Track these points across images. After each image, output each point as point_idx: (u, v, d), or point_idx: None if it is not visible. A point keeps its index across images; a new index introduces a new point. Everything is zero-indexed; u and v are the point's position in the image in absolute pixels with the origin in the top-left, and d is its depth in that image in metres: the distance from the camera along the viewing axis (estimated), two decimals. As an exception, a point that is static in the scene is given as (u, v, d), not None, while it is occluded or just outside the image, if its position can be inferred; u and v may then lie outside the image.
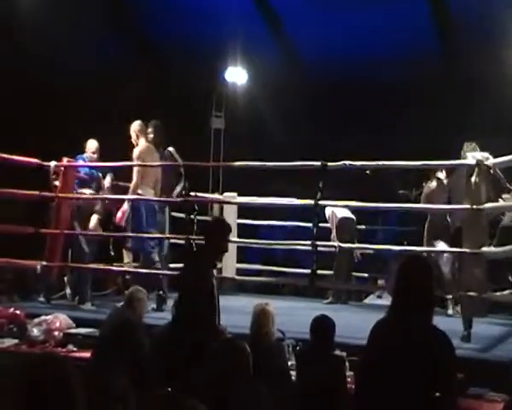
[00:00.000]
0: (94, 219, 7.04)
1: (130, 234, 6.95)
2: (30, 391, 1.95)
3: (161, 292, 6.62)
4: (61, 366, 2.03)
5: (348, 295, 8.24)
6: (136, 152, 6.83)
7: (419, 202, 7.42)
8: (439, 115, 9.67)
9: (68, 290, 7.26)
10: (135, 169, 6.80)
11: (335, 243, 7.14)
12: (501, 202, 6.28)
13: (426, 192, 7.30)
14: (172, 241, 7.53)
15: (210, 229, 4.70)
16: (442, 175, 7.09)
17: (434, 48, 9.86)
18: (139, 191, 6.80)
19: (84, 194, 7.14)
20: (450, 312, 6.84)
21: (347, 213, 8.04)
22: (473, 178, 5.41)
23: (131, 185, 6.81)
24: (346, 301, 8.03)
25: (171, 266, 7.40)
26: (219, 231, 4.59)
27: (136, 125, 6.95)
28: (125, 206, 6.89)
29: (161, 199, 7.13)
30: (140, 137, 6.92)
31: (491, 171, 5.62)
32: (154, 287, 6.65)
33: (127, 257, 7.60)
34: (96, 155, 7.21)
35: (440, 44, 9.96)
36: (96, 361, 4.63)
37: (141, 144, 6.88)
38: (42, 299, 6.95)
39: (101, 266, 7.17)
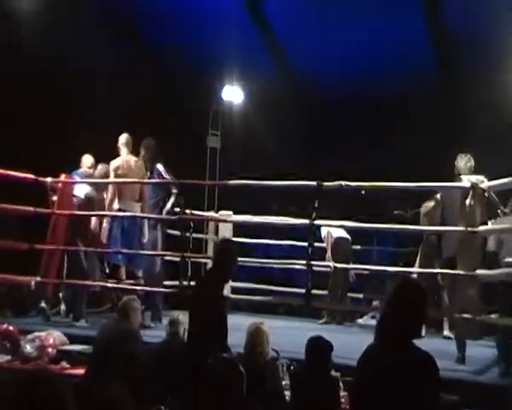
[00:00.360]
0: (93, 219, 7.02)
1: (123, 250, 6.83)
2: (23, 408, 1.95)
3: (143, 307, 6.61)
4: (54, 383, 2.03)
5: (343, 316, 8.23)
6: (111, 165, 6.88)
7: (415, 223, 7.44)
8: (436, 130, 9.71)
9: (63, 307, 7.23)
10: (110, 184, 6.87)
11: (330, 263, 7.15)
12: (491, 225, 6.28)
13: (423, 211, 7.37)
14: (167, 258, 7.51)
15: (223, 253, 4.69)
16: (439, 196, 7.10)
17: (431, 61, 9.94)
18: (115, 206, 6.83)
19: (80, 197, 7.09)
20: (445, 333, 6.85)
21: (343, 234, 8.06)
22: (467, 201, 5.43)
23: (107, 200, 6.86)
24: (340, 322, 8.02)
25: (166, 283, 7.39)
26: (231, 256, 4.61)
27: (120, 138, 7.01)
28: (104, 223, 6.92)
29: (152, 216, 7.11)
30: (121, 149, 6.96)
31: (486, 194, 5.65)
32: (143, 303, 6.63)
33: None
34: (91, 170, 7.23)
35: (437, 59, 10.02)
36: (91, 377, 4.57)
37: (119, 158, 6.93)
38: (43, 305, 6.86)
39: (96, 283, 7.12)
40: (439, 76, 10.05)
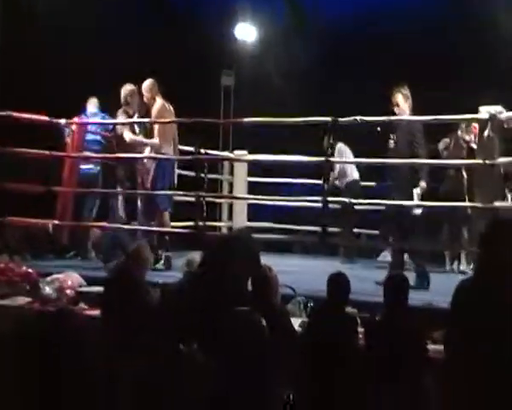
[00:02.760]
0: (127, 135, 6.87)
1: (159, 192, 6.76)
2: (46, 343, 1.97)
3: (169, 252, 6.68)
4: (76, 322, 2.06)
5: (358, 253, 8.24)
6: (154, 110, 6.75)
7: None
8: (453, 67, 9.51)
9: (93, 254, 7.35)
10: (155, 128, 6.74)
11: (346, 200, 7.07)
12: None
13: (442, 147, 7.68)
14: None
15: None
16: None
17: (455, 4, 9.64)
18: (162, 150, 6.77)
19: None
20: (462, 268, 7.04)
21: (354, 176, 8.07)
22: (485, 132, 5.34)
23: (153, 144, 6.76)
24: (354, 260, 8.00)
25: (182, 224, 7.39)
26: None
27: (149, 84, 6.83)
28: (149, 167, 6.83)
29: (185, 157, 7.24)
30: (155, 95, 6.81)
31: (505, 125, 5.56)
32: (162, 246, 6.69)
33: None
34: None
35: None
36: (105, 320, 4.60)
37: (158, 102, 6.79)
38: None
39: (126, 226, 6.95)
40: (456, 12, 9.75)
